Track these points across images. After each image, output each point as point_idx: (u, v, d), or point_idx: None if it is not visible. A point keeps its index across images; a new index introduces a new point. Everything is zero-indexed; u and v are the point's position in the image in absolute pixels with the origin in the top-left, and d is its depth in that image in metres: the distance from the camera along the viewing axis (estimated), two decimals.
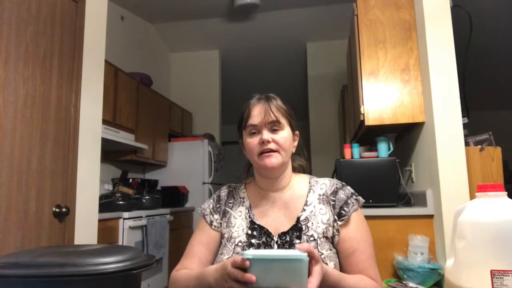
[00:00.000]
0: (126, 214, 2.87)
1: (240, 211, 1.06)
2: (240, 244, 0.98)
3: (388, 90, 2.16)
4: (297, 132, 1.08)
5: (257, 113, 1.00)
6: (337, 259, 0.97)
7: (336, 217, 0.99)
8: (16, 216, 1.54)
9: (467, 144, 1.91)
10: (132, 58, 4.31)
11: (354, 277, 0.93)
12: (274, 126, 0.99)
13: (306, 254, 0.71)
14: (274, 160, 0.98)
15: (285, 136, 1.00)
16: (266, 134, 0.98)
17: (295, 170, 1.12)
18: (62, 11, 1.85)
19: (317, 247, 0.94)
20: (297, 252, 0.72)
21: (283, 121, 1.01)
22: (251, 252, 0.71)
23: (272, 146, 0.98)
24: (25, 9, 1.64)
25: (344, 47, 3.40)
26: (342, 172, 2.22)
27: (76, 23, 1.95)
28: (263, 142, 0.97)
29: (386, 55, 2.19)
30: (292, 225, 0.99)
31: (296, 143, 1.07)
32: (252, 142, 1.00)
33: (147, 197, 3.47)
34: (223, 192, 1.13)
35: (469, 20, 2.08)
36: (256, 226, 1.01)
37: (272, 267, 0.69)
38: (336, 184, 1.05)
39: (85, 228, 1.93)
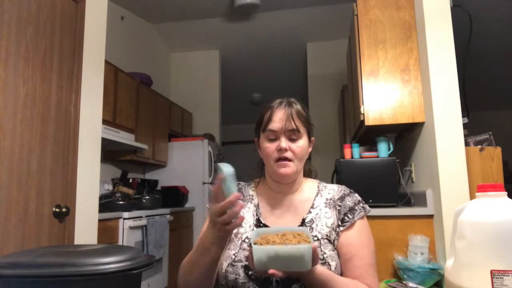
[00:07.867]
0: (126, 214, 2.87)
1: (249, 207, 1.08)
2: (246, 240, 1.00)
3: (388, 90, 2.16)
4: (312, 138, 1.09)
5: (278, 119, 1.01)
6: (339, 260, 0.98)
7: (339, 222, 1.01)
8: (16, 216, 1.54)
9: (467, 144, 1.91)
10: (132, 58, 4.31)
11: (346, 279, 0.93)
12: (292, 135, 1.01)
13: (310, 242, 0.78)
14: (288, 169, 1.00)
15: (302, 145, 1.02)
16: (284, 142, 0.99)
17: (305, 173, 1.13)
18: (62, 11, 1.85)
19: (320, 247, 0.96)
20: (303, 233, 0.81)
21: (302, 129, 1.02)
22: (261, 246, 0.76)
23: (288, 154, 0.99)
24: (25, 9, 1.64)
25: (344, 47, 3.40)
26: (342, 172, 2.22)
27: (76, 23, 1.94)
28: (280, 150, 0.99)
29: (386, 55, 2.19)
30: (297, 226, 1.00)
31: (310, 149, 1.09)
32: (270, 147, 1.01)
33: (147, 197, 3.47)
34: None
35: (469, 20, 2.08)
36: (261, 225, 1.03)
37: (280, 255, 0.76)
38: (344, 190, 1.07)
39: (85, 228, 1.93)
